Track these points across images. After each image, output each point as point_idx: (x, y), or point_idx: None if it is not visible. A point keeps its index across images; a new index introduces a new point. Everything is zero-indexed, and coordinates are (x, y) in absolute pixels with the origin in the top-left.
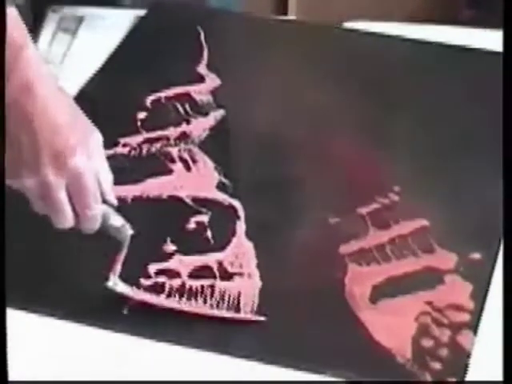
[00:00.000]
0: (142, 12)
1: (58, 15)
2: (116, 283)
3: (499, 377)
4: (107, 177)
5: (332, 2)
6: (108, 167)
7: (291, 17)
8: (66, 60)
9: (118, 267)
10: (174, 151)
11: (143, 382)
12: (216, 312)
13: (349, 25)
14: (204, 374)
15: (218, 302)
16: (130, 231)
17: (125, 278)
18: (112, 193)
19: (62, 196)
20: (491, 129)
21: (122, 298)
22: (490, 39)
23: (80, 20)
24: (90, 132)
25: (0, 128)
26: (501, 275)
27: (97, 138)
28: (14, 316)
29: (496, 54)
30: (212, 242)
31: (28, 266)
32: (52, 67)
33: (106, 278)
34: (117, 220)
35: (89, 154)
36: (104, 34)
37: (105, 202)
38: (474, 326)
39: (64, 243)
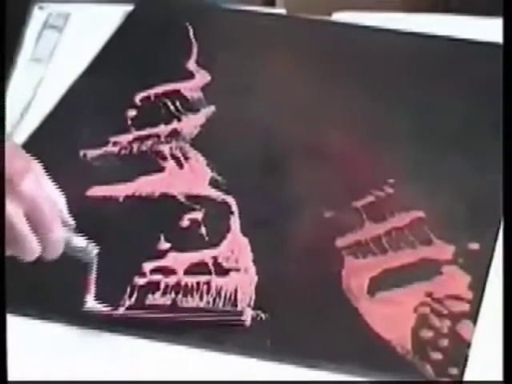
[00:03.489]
0: (129, 8)
1: (44, 12)
2: (94, 305)
3: (498, 368)
4: (60, 198)
5: None
6: (57, 190)
7: (279, 7)
8: (53, 58)
9: (93, 288)
10: (166, 149)
11: (143, 382)
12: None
13: (338, 16)
14: (201, 373)
15: (215, 298)
16: (95, 250)
17: (118, 278)
18: (67, 214)
19: (24, 224)
20: (488, 119)
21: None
22: (480, 27)
23: (67, 17)
24: (29, 158)
25: (0, 127)
26: (499, 265)
27: (37, 164)
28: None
29: (495, 45)
30: (206, 238)
31: (23, 270)
32: (39, 65)
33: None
34: (80, 241)
35: (36, 178)
36: (92, 30)
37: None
38: (473, 316)
39: None
